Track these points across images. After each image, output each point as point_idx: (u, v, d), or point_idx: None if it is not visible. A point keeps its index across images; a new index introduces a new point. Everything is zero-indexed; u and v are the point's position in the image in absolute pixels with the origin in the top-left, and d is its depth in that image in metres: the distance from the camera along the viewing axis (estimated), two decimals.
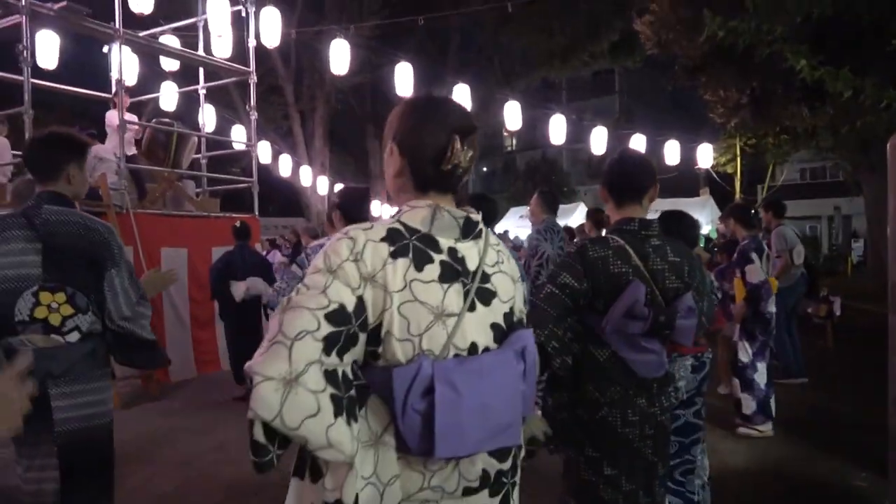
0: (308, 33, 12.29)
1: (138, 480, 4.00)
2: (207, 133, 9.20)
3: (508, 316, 1.31)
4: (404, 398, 1.14)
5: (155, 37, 8.39)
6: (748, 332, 4.68)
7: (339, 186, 17.97)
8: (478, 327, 1.24)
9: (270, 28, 8.26)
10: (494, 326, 1.27)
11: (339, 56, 8.59)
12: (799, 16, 6.09)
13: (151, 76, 9.71)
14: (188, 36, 9.13)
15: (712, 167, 15.18)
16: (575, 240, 6.27)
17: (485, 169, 37.49)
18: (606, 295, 1.99)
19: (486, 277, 1.27)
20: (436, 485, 1.21)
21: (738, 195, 16.73)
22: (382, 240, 1.19)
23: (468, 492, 1.24)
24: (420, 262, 1.20)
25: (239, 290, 5.82)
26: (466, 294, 1.23)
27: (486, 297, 1.27)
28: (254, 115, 8.66)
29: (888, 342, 2.07)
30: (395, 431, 1.17)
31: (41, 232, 2.16)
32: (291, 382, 1.06)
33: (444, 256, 1.23)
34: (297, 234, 10.48)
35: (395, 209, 1.31)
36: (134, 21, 7.30)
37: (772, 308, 4.65)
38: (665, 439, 2.11)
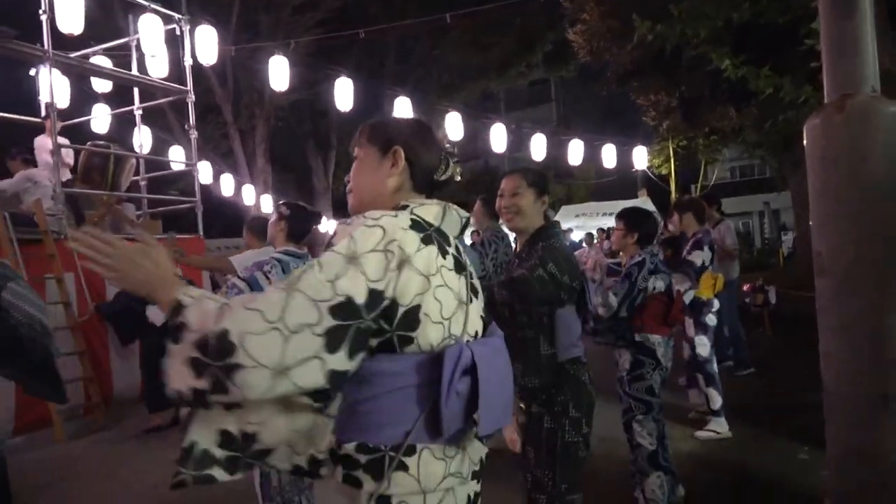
0: (244, 52, 12.16)
1: None
2: (145, 154, 8.99)
3: (483, 310, 1.44)
4: (451, 378, 1.19)
5: (86, 57, 8.18)
6: (702, 325, 4.66)
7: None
8: (475, 317, 1.35)
9: (206, 46, 8.17)
10: (480, 318, 1.39)
11: (279, 72, 8.55)
12: (720, 20, 6.46)
13: (82, 98, 9.43)
14: (120, 56, 8.92)
15: (648, 168, 15.74)
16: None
17: None
18: (577, 284, 2.37)
19: (470, 274, 1.38)
20: (454, 471, 1.25)
21: (673, 195, 17.37)
22: (410, 227, 1.25)
23: (474, 476, 1.32)
24: (443, 252, 1.28)
25: (159, 313, 5.42)
26: (467, 287, 1.34)
27: (475, 291, 1.39)
28: (194, 135, 8.53)
29: (817, 303, 2.24)
30: (425, 424, 1.20)
31: None
32: (279, 375, 1.08)
33: (453, 250, 1.33)
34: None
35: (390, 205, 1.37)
36: (63, 42, 7.10)
37: (714, 302, 4.74)
38: None
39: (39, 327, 2.35)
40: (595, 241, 12.02)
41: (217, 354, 1.06)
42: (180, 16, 8.21)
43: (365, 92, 10.25)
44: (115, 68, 8.28)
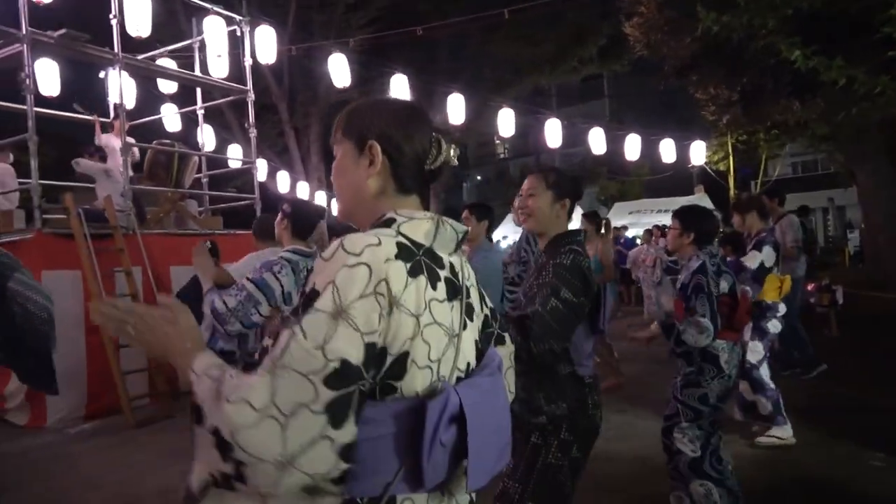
0: (300, 51, 12.38)
1: None
2: (207, 152, 9.27)
3: (481, 330, 1.27)
4: (434, 432, 1.03)
5: (153, 59, 8.48)
6: (760, 330, 4.42)
7: (336, 202, 18.29)
8: (468, 345, 1.18)
9: (266, 46, 8.37)
10: (475, 343, 1.22)
11: (339, 70, 8.72)
12: (789, 9, 6.23)
13: (147, 99, 9.80)
14: (182, 57, 9.22)
15: (706, 164, 15.35)
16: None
17: (479, 177, 37.63)
18: (590, 300, 2.13)
19: (467, 292, 1.20)
20: None
21: (732, 192, 16.87)
22: (397, 256, 1.05)
23: None
24: (433, 280, 1.10)
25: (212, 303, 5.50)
26: (461, 312, 1.16)
27: (470, 312, 1.21)
28: (253, 133, 8.74)
29: None
30: (406, 475, 1.05)
31: None
32: (285, 467, 0.93)
33: (446, 273, 1.15)
34: None
35: (370, 215, 1.19)
36: (131, 45, 7.39)
37: (780, 306, 4.47)
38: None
39: (46, 315, 2.38)
40: (651, 238, 11.80)
41: (224, 449, 0.94)
42: (241, 17, 8.41)
43: (418, 88, 10.31)
44: (180, 69, 8.57)
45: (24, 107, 6.11)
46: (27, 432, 5.53)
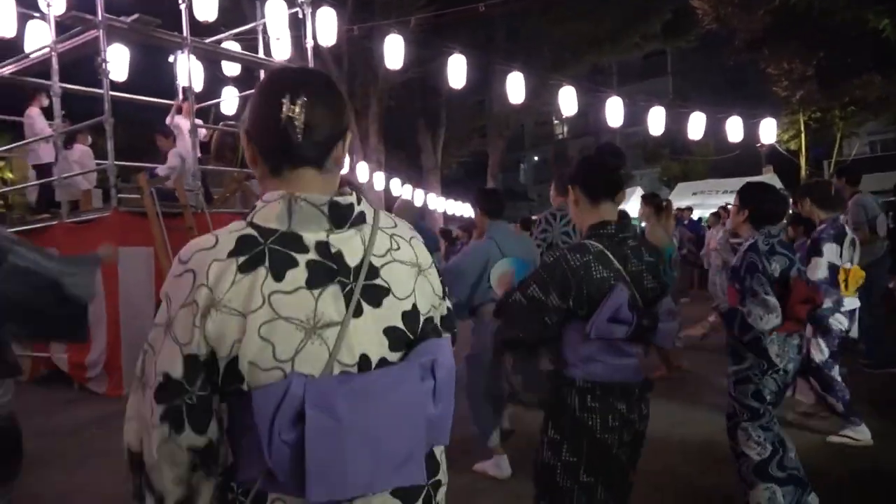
0: (360, 32, 12.45)
1: None
2: None
3: (411, 315, 1.10)
4: (270, 426, 0.94)
5: (218, 43, 8.69)
6: (823, 329, 4.04)
7: (394, 182, 18.18)
8: (367, 335, 1.04)
9: (327, 28, 8.45)
10: (390, 331, 1.06)
11: (394, 51, 8.72)
12: None
13: (212, 82, 10.07)
14: (247, 40, 9.42)
15: (777, 143, 14.70)
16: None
17: (536, 158, 37.24)
18: (591, 301, 1.95)
19: (374, 272, 1.07)
20: None
21: (803, 172, 16.14)
22: (230, 254, 0.99)
23: None
24: (280, 270, 0.99)
25: None
26: (349, 296, 1.03)
27: (376, 295, 1.06)
28: None
29: None
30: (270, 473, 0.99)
31: None
32: (155, 469, 1.03)
33: (311, 255, 1.02)
34: None
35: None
36: (197, 29, 7.58)
37: (845, 300, 4.01)
38: (640, 448, 2.09)
39: (44, 271, 2.27)
40: (719, 220, 11.42)
41: (136, 469, 1.06)
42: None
43: (476, 67, 10.22)
44: (244, 52, 8.77)
45: (101, 91, 6.36)
46: (106, 400, 5.84)
